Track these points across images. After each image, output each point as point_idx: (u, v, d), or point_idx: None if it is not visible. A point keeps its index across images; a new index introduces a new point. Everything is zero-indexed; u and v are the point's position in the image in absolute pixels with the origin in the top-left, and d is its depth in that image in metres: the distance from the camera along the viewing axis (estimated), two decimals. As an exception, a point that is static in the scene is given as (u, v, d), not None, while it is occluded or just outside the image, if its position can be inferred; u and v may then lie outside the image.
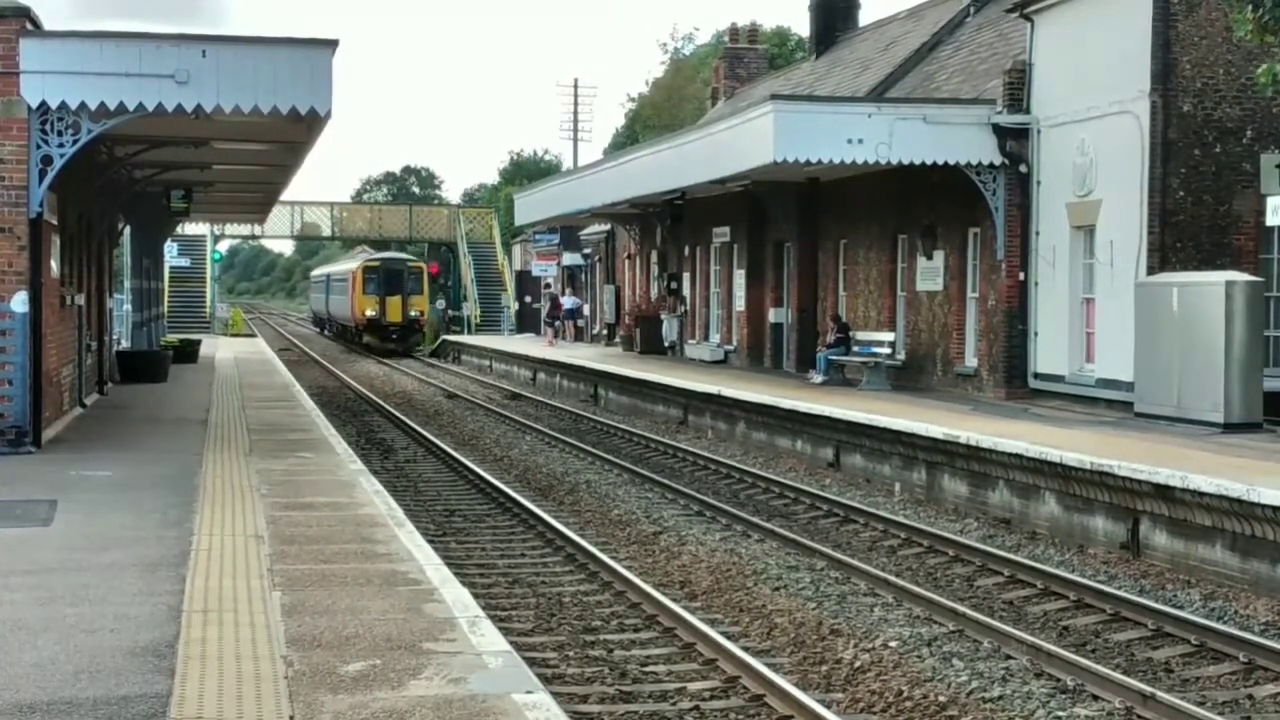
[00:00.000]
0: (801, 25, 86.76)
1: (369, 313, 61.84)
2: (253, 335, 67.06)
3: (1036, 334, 25.99)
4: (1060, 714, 10.80)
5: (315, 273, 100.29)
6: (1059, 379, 25.30)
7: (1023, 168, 26.13)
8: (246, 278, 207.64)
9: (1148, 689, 11.04)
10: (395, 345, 61.32)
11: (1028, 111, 26.18)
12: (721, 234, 39.37)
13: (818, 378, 29.98)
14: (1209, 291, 21.08)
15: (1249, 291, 20.94)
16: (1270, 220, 20.78)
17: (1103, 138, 24.12)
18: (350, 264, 69.60)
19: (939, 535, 17.95)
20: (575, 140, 79.47)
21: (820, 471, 24.32)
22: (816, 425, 24.94)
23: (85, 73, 18.16)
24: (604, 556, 16.06)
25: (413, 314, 62.51)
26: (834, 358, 30.18)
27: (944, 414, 22.96)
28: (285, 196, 46.96)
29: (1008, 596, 15.07)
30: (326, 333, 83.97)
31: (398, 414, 33.30)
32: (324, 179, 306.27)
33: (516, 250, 74.88)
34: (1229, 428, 20.36)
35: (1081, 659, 12.03)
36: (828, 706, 10.61)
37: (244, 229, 70.55)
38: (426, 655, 8.68)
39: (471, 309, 70.41)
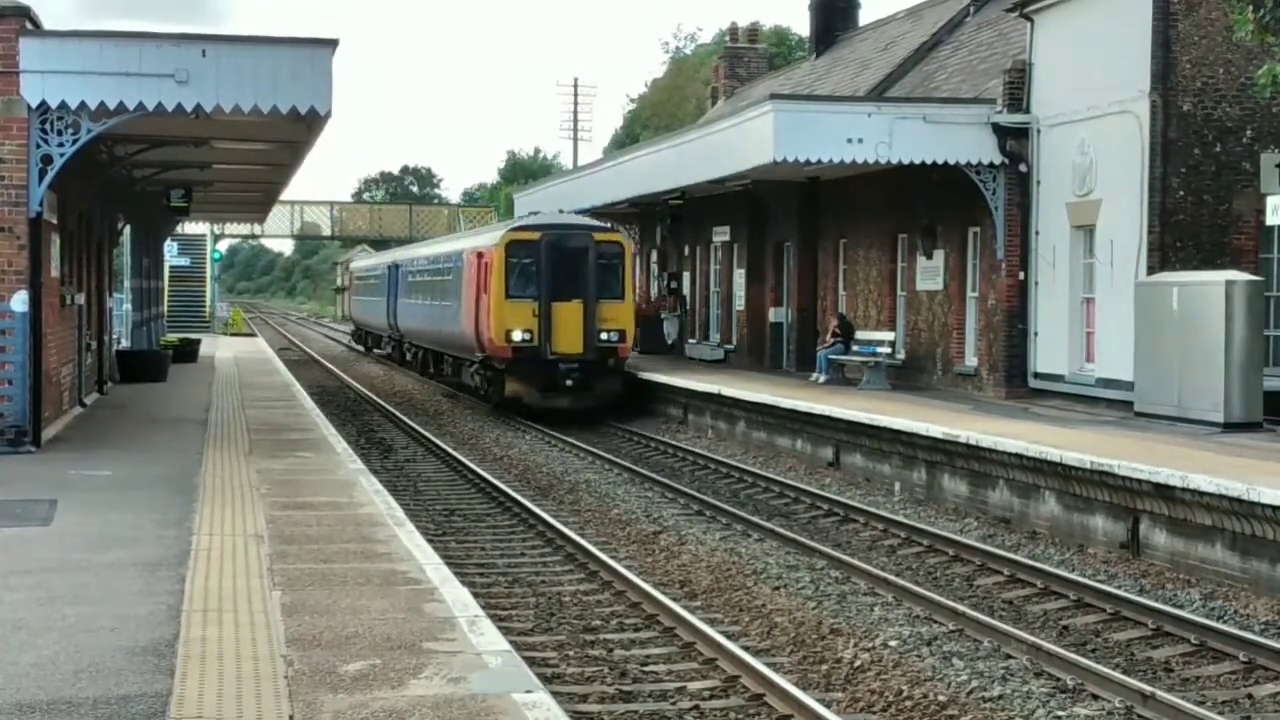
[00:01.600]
0: (801, 25, 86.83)
1: (517, 335, 31.94)
2: (253, 335, 66.99)
3: (1036, 334, 25.98)
4: (1060, 713, 10.80)
5: (361, 264, 68.32)
6: (1059, 378, 25.30)
7: (1022, 167, 26.13)
8: (246, 277, 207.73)
9: (1148, 688, 11.04)
10: (573, 401, 31.91)
11: (1027, 111, 26.18)
12: (721, 233, 39.37)
13: (821, 377, 29.97)
14: (1209, 291, 21.08)
15: (1249, 291, 20.93)
16: (1270, 220, 20.79)
17: (1103, 137, 24.11)
18: (469, 240, 38.59)
19: (939, 535, 17.95)
20: (575, 140, 79.56)
21: (820, 471, 24.31)
22: (816, 425, 24.93)
23: (85, 72, 18.17)
24: (604, 556, 16.07)
25: (606, 337, 32.16)
26: (834, 357, 30.17)
27: (944, 413, 22.95)
28: (285, 196, 47.00)
29: (1007, 596, 15.07)
30: (382, 350, 56.35)
31: (398, 413, 33.29)
32: (324, 179, 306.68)
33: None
34: (1229, 427, 20.36)
35: (1081, 658, 12.03)
36: (827, 706, 10.61)
37: (244, 228, 70.63)
38: (426, 655, 8.68)
39: None
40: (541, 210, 39.62)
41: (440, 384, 34.39)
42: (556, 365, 31.71)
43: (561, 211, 36.78)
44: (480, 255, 33.82)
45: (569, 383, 31.67)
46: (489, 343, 32.72)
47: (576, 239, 32.55)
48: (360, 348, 64.83)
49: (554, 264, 32.05)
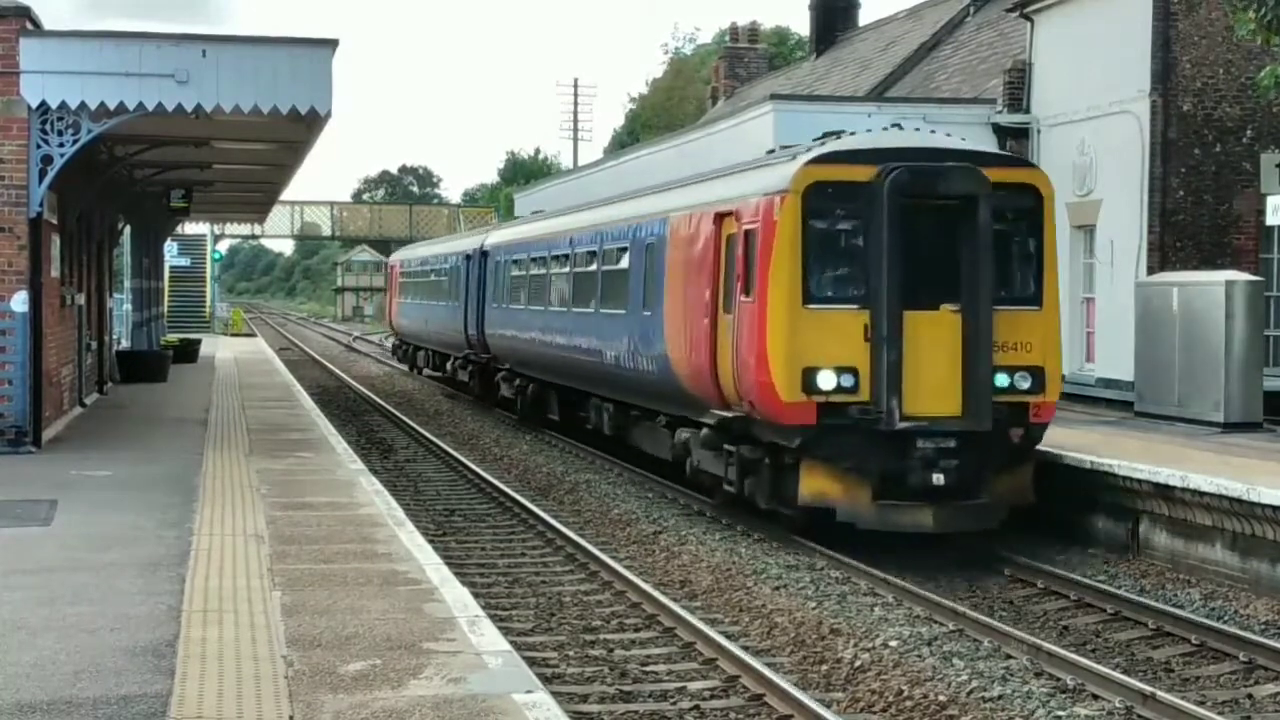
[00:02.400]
0: (801, 25, 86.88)
1: (827, 379, 15.74)
2: (253, 335, 67.01)
3: (1036, 333, 25.93)
4: (1060, 713, 10.79)
5: (413, 254, 48.84)
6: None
7: (1023, 167, 26.09)
8: (246, 277, 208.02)
9: (1148, 688, 11.04)
10: (940, 517, 15.78)
11: (1028, 111, 26.17)
12: (722, 233, 39.17)
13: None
14: (1209, 291, 21.07)
15: (1249, 291, 20.92)
16: (1270, 220, 20.78)
17: (1103, 137, 24.11)
18: (688, 192, 19.86)
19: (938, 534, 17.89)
20: (575, 140, 79.62)
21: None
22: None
23: (85, 72, 18.16)
24: (604, 556, 16.06)
25: (1008, 382, 16.19)
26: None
27: (944, 413, 22.87)
28: (285, 196, 47.00)
29: (1008, 596, 15.07)
30: (443, 373, 40.73)
31: (398, 414, 33.28)
32: (324, 179, 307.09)
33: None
34: (1229, 427, 20.34)
35: (1081, 658, 12.03)
36: (827, 706, 10.61)
37: (244, 229, 70.65)
38: (426, 655, 8.68)
39: None
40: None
41: (582, 445, 25.59)
42: (911, 442, 15.91)
43: (898, 126, 18.31)
44: (724, 218, 17.70)
45: (937, 478, 15.93)
46: (755, 390, 16.53)
47: (953, 179, 16.21)
48: (404, 366, 49.32)
49: (907, 231, 15.97)
